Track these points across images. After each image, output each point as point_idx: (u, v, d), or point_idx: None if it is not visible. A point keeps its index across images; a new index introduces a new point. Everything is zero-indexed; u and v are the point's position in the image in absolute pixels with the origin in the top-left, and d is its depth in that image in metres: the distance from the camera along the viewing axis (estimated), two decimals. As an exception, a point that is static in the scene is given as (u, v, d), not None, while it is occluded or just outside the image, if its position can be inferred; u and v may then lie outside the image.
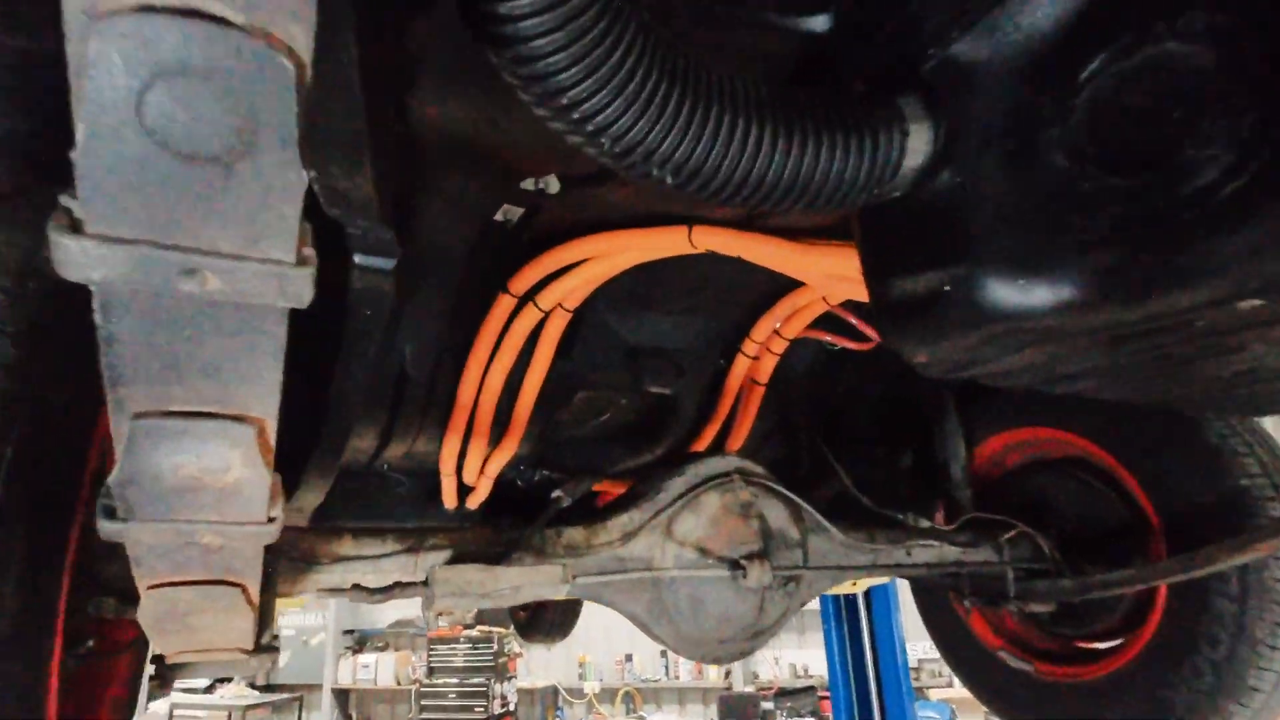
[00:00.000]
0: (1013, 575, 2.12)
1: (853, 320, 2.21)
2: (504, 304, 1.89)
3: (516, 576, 1.34)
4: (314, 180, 1.03)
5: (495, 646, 10.93)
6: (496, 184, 1.53)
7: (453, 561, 1.43)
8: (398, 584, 1.33)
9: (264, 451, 0.72)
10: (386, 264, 1.54)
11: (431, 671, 11.23)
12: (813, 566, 1.72)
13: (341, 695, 12.37)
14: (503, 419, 2.18)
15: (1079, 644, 2.30)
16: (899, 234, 0.95)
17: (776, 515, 1.74)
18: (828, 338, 2.32)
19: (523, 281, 1.84)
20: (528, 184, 1.53)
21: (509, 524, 3.28)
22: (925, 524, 2.03)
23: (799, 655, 11.52)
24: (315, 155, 0.97)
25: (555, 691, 12.06)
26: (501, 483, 2.63)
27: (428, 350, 2.02)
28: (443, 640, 11.36)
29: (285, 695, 12.45)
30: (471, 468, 2.35)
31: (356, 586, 1.31)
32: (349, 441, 1.91)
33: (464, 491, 2.60)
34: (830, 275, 1.51)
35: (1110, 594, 2.00)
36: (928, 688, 10.32)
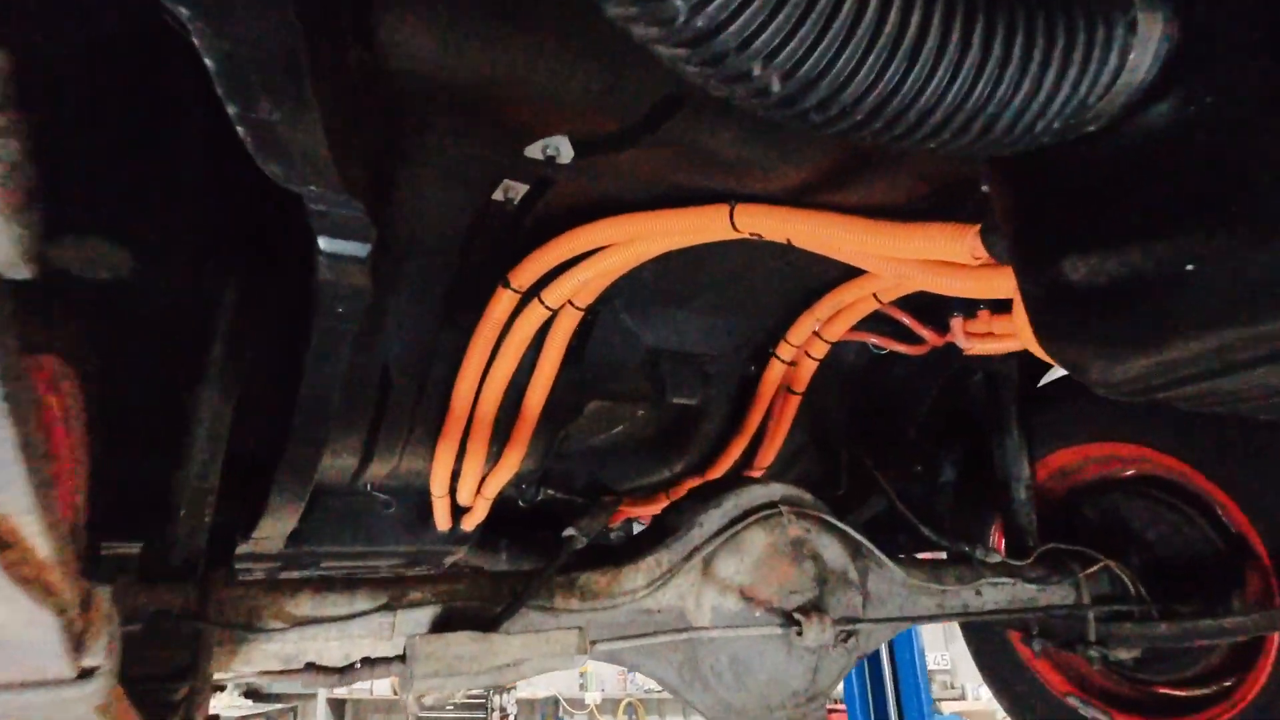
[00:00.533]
0: (1094, 616, 1.82)
1: (905, 320, 1.92)
2: (504, 300, 1.59)
3: (519, 649, 1.05)
4: (236, 117, 0.74)
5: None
6: (497, 149, 1.24)
7: (440, 621, 1.14)
8: (366, 661, 1.04)
9: (28, 575, 0.42)
10: (359, 249, 1.25)
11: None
12: (878, 619, 1.43)
13: (337, 705, 12.07)
14: (502, 433, 1.89)
15: (1164, 691, 2.01)
16: (1084, 192, 0.66)
17: (833, 554, 1.44)
18: (875, 340, 2.02)
19: (526, 274, 1.55)
20: (534, 150, 1.23)
21: (509, 549, 2.99)
22: (996, 557, 1.74)
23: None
24: (229, 75, 0.68)
25: (556, 702, 11.75)
26: (501, 500, 2.34)
27: (415, 354, 1.72)
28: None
29: (279, 705, 12.14)
30: (466, 488, 2.06)
31: (311, 666, 1.01)
32: (322, 459, 1.63)
33: (458, 512, 2.31)
34: (912, 261, 1.22)
35: (1218, 641, 1.71)
36: (940, 700, 10.01)
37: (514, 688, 11.05)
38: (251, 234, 1.37)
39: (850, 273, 1.80)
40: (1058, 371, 2.60)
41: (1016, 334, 1.82)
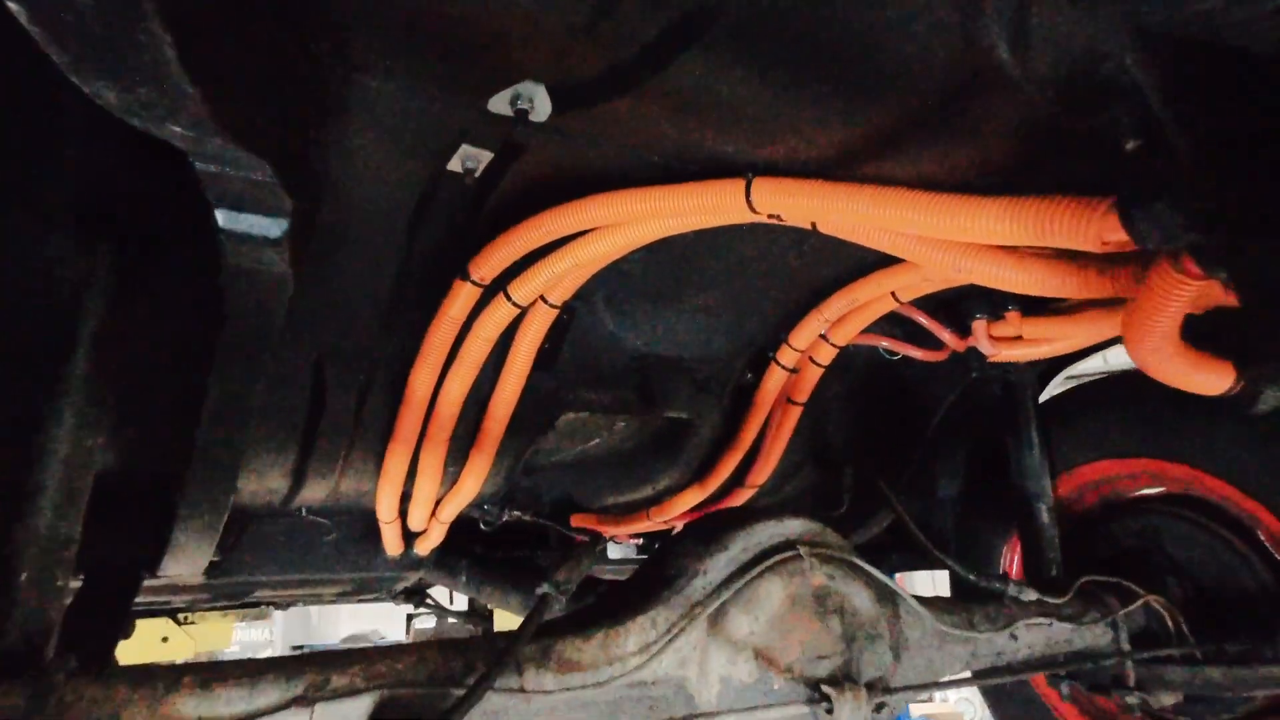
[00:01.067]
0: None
1: (924, 322, 1.69)
2: (463, 295, 1.31)
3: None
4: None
5: (455, 664, 10.26)
6: (453, 101, 0.97)
7: (375, 717, 0.86)
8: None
9: None
10: (271, 227, 0.97)
11: (386, 691, 10.53)
12: (914, 686, 1.19)
13: (289, 716, 11.58)
14: (461, 449, 1.61)
15: (1201, 735, 1.82)
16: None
17: (861, 603, 1.20)
18: (888, 344, 1.79)
19: (489, 264, 1.27)
20: (500, 103, 0.96)
21: (470, 570, 2.70)
22: (1030, 594, 1.52)
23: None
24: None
25: None
26: (461, 517, 2.06)
27: (355, 357, 1.44)
28: (398, 658, 10.66)
29: None
30: (419, 512, 1.78)
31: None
32: (237, 482, 1.34)
33: (411, 536, 2.03)
34: (982, 250, 0.97)
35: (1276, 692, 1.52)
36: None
37: None
38: (142, 197, 1.07)
39: (863, 268, 1.56)
40: (1071, 381, 2.41)
41: (1056, 338, 1.61)
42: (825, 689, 1.06)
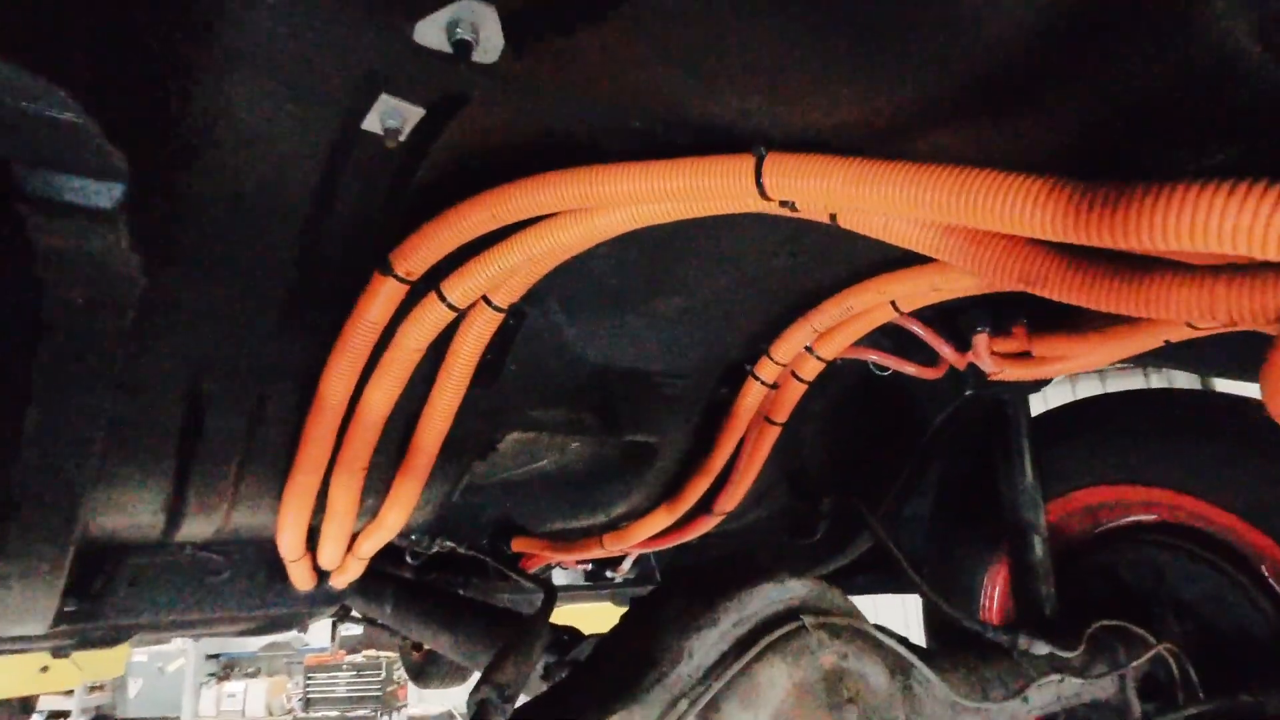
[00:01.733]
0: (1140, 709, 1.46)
1: (924, 335, 1.49)
2: (385, 292, 1.04)
3: None
4: None
5: (383, 674, 9.84)
6: (367, 26, 0.70)
7: None
8: None
9: None
10: (98, 195, 0.70)
11: (309, 703, 10.03)
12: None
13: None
14: (383, 476, 1.33)
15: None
16: None
17: (876, 681, 0.98)
18: (878, 358, 1.59)
19: (418, 255, 1.00)
20: (431, 33, 0.70)
21: (396, 599, 2.40)
22: (1042, 647, 1.33)
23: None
24: None
25: (451, 717, 11.05)
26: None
27: (242, 367, 1.14)
28: (323, 667, 10.17)
29: None
30: (330, 550, 1.49)
31: None
32: (80, 520, 1.05)
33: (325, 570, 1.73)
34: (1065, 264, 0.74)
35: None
36: None
37: (404, 705, 10.26)
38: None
39: (861, 272, 1.35)
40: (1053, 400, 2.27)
41: (1070, 357, 1.44)
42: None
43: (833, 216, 0.91)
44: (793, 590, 0.98)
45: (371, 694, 9.78)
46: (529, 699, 0.93)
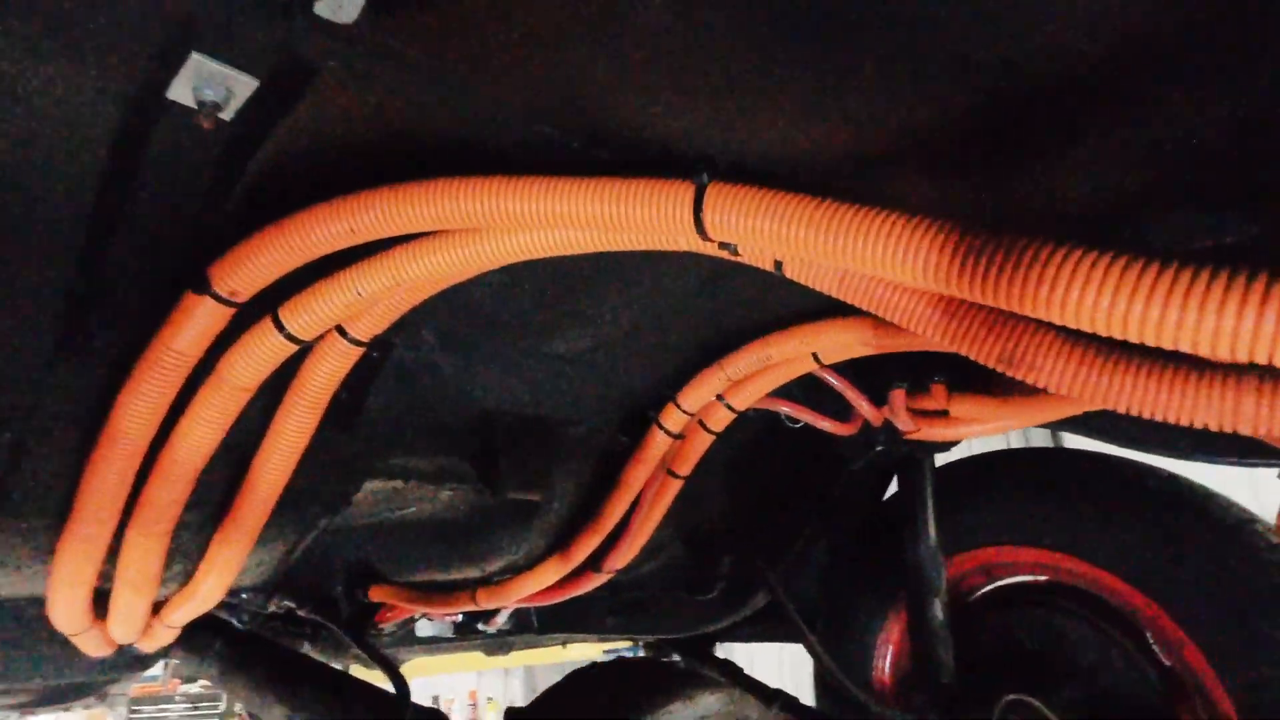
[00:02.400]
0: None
1: (843, 390, 1.38)
2: (201, 315, 0.79)
3: None
4: None
5: (222, 706, 8.92)
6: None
7: None
8: None
9: None
10: None
11: (132, 739, 8.94)
12: None
13: None
14: (197, 535, 1.05)
15: None
16: None
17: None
18: (790, 410, 1.46)
19: (245, 270, 0.77)
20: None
21: (223, 657, 2.05)
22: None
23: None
24: None
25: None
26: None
27: (6, 397, 0.85)
28: (150, 699, 9.09)
29: None
30: (124, 625, 1.18)
31: None
32: None
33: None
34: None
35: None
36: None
37: None
38: None
39: (783, 320, 1.22)
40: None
41: (988, 420, 1.37)
42: None
43: (778, 264, 0.76)
44: (707, 703, 0.81)
45: (208, 728, 8.85)
46: None
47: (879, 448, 1.58)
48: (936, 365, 1.38)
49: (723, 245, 0.70)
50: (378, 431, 1.13)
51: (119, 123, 0.65)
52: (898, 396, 1.39)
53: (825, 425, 1.44)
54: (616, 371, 1.25)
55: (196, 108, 0.63)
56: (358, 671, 1.98)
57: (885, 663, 1.95)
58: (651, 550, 1.74)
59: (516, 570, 1.63)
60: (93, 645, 1.37)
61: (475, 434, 1.21)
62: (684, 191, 0.65)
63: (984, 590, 1.86)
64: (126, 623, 1.14)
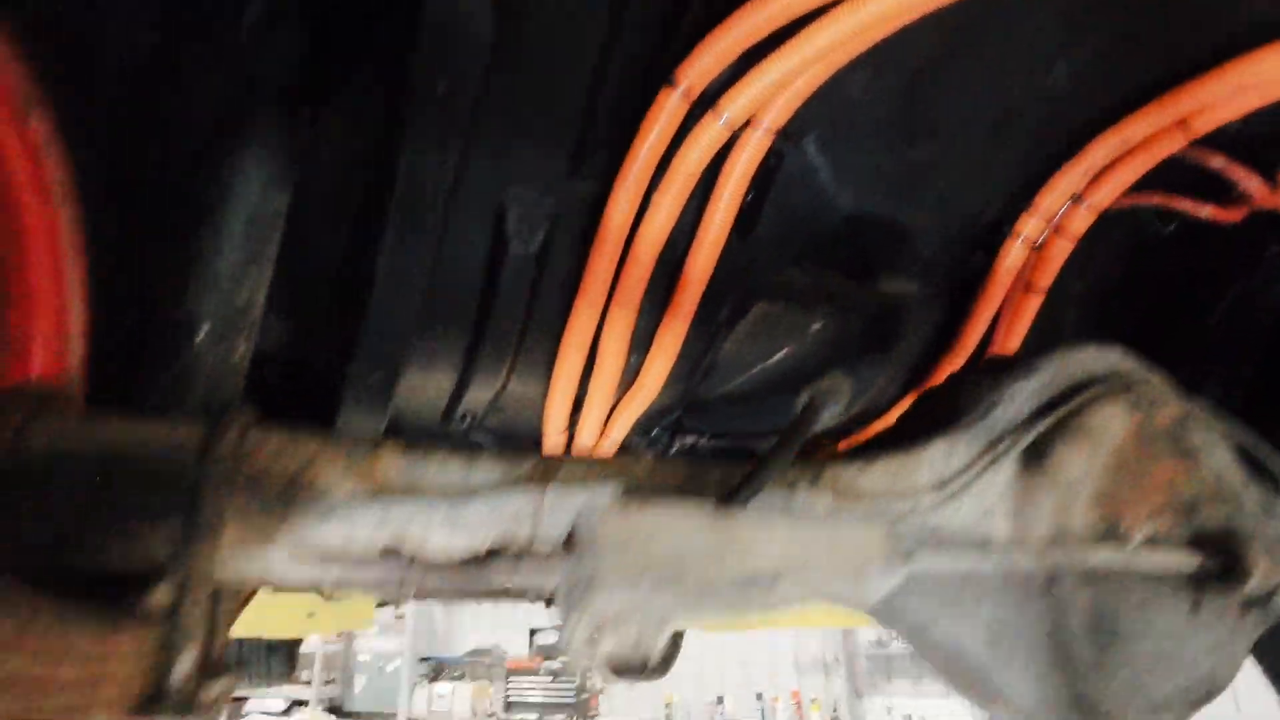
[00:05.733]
0: None
1: (1221, 167, 1.34)
2: (668, 107, 1.12)
3: (783, 545, 0.55)
4: None
5: (578, 681, 10.13)
6: None
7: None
8: (502, 555, 0.56)
9: None
10: None
11: (509, 706, 10.53)
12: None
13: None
14: (646, 325, 1.39)
15: None
16: None
17: (1220, 462, 0.88)
18: (1161, 201, 1.44)
19: (701, 65, 1.07)
20: None
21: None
22: None
23: (915, 705, 10.18)
24: None
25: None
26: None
27: (536, 201, 1.25)
28: (522, 672, 10.66)
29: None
30: (593, 419, 1.58)
31: (398, 557, 0.54)
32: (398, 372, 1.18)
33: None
34: None
35: None
36: None
37: (596, 715, 10.44)
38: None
39: (1145, 90, 1.25)
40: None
41: None
42: (1226, 545, 0.75)
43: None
44: (1110, 357, 0.91)
45: (566, 701, 10.09)
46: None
47: (1276, 248, 1.47)
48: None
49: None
50: (768, 241, 1.39)
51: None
52: (1296, 172, 1.31)
53: (1206, 213, 1.39)
54: (976, 173, 1.38)
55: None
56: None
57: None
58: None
59: (877, 413, 1.78)
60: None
61: (844, 241, 1.41)
62: None
63: None
64: (597, 408, 1.52)
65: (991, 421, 0.84)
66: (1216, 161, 1.33)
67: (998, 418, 0.85)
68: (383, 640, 12.81)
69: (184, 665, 0.48)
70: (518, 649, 11.55)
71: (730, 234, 1.30)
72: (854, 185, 1.36)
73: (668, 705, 11.00)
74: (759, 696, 10.54)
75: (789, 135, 1.26)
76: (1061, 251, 1.48)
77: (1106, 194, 1.38)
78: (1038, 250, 1.47)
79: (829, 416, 0.77)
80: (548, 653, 10.70)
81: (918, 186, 1.38)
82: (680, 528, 0.54)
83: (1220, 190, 1.38)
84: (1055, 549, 0.77)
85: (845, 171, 1.34)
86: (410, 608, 12.37)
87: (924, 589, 0.76)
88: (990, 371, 0.91)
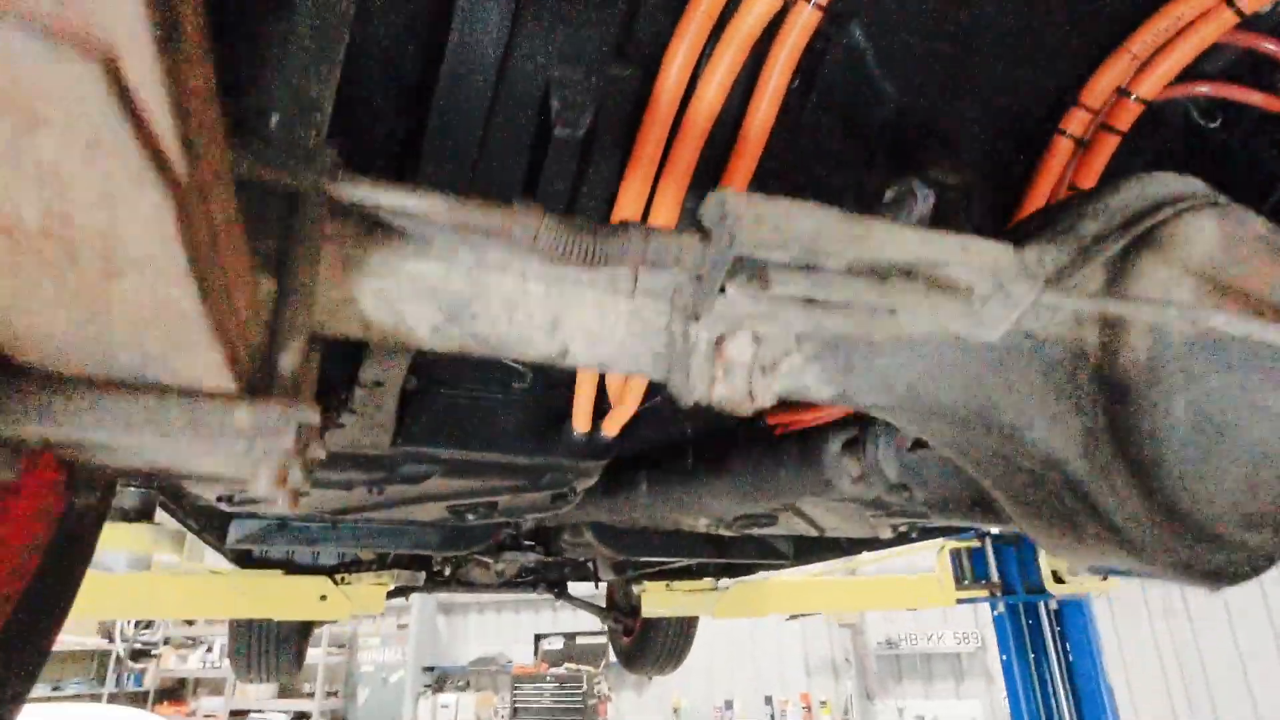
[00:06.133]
0: None
1: (1273, 50, 1.33)
2: (722, -28, 1.10)
3: (917, 243, 0.53)
4: None
5: (584, 687, 10.01)
6: None
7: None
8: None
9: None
10: None
11: (515, 713, 10.40)
12: None
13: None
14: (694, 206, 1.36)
15: None
16: None
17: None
18: (1209, 88, 1.43)
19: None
20: None
21: (649, 482, 2.44)
22: None
23: (926, 706, 10.07)
24: None
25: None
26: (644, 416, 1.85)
27: (581, 84, 1.23)
28: (528, 678, 10.54)
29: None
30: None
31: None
32: None
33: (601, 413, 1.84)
34: None
35: None
36: None
37: (604, 719, 10.30)
38: None
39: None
40: None
41: None
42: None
43: None
44: (1194, 184, 0.89)
45: (573, 706, 9.96)
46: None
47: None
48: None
49: None
50: (809, 143, 1.37)
51: None
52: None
53: (1256, 99, 1.38)
54: (1015, 69, 1.36)
55: None
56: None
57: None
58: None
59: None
60: (583, 408, 1.78)
61: (888, 128, 1.39)
62: None
63: None
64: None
65: (1081, 230, 0.82)
66: (1268, 45, 1.31)
67: (1085, 228, 0.82)
68: (385, 651, 12.68)
69: (291, 357, 0.45)
70: (521, 658, 11.44)
71: (776, 124, 1.28)
72: (899, 75, 1.34)
73: (675, 710, 10.86)
74: (768, 699, 10.41)
75: (837, 15, 1.25)
76: (1107, 148, 1.46)
77: (1153, 84, 1.37)
78: (1081, 147, 1.46)
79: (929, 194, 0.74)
80: (554, 659, 10.59)
81: (962, 79, 1.36)
82: (817, 214, 0.51)
83: (1270, 80, 1.37)
84: (1156, 352, 0.74)
85: (890, 60, 1.32)
86: (413, 616, 12.25)
87: (1019, 385, 0.73)
88: (1060, 202, 0.89)
